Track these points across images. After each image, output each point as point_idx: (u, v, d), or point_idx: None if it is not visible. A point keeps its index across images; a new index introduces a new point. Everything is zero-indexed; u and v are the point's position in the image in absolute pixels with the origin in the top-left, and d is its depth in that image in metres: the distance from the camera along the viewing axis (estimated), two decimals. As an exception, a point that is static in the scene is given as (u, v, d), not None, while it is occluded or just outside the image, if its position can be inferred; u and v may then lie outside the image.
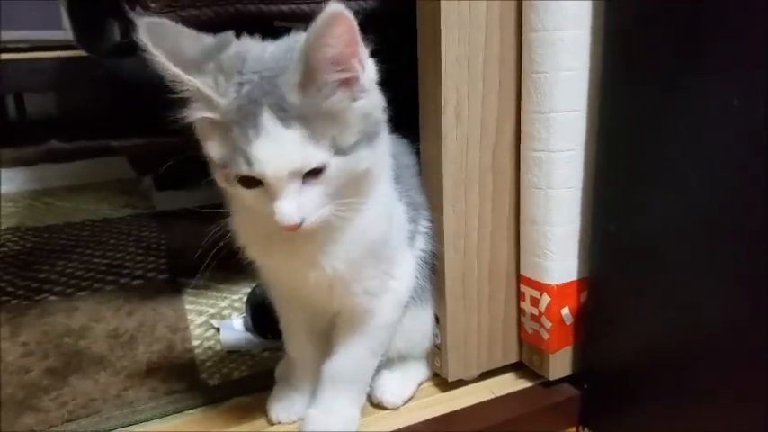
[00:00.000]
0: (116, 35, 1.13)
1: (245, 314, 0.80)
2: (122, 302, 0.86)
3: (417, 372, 0.62)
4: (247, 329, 0.78)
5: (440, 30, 0.52)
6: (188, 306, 0.85)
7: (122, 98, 2.37)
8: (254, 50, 0.44)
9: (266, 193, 0.43)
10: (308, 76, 0.41)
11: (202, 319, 0.81)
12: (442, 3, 0.52)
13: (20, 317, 0.83)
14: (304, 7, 0.60)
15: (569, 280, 0.58)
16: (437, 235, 0.57)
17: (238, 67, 0.42)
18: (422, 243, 0.57)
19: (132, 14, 0.59)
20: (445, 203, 0.56)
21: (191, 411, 0.61)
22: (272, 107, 0.41)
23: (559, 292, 0.58)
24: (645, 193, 0.52)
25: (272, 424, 0.58)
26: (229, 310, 0.83)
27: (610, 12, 0.52)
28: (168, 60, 0.41)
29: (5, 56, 2.18)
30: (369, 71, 0.44)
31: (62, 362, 0.71)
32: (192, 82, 0.42)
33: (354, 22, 0.40)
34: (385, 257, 0.53)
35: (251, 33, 0.46)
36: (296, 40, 0.43)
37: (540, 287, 0.58)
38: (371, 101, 0.45)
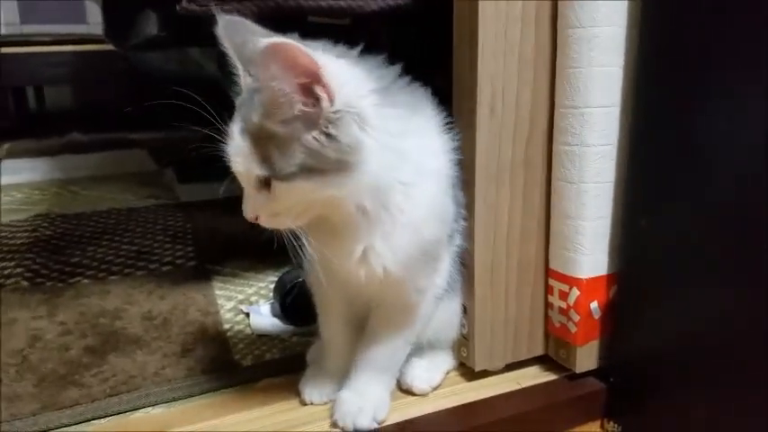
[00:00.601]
0: (149, 29, 1.16)
1: (272, 301, 0.82)
2: (154, 287, 0.89)
3: (445, 361, 0.64)
4: (274, 315, 0.80)
5: (477, 26, 0.54)
6: (217, 292, 0.87)
7: (143, 91, 2.42)
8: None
9: None
10: (270, 104, 0.43)
11: (231, 304, 0.83)
12: (480, 0, 0.54)
13: (55, 298, 0.86)
14: (342, 3, 0.62)
15: (599, 274, 0.59)
16: (468, 227, 0.59)
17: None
18: (458, 239, 0.58)
19: (179, 8, 0.61)
20: (477, 196, 0.57)
21: (226, 390, 0.63)
22: (243, 117, 0.45)
23: (589, 286, 0.59)
24: (676, 190, 0.53)
25: (304, 404, 0.60)
26: (256, 297, 0.85)
27: (646, 9, 0.54)
28: (233, 54, 0.46)
29: (28, 49, 2.22)
30: (341, 97, 0.42)
31: (100, 341, 0.73)
32: (244, 78, 0.46)
33: (301, 48, 0.40)
34: (436, 255, 0.54)
35: (289, 29, 0.48)
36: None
37: (570, 281, 0.60)
38: (344, 127, 0.43)
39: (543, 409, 0.61)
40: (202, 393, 0.62)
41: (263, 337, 0.74)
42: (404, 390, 0.62)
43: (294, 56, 0.40)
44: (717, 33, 0.48)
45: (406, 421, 0.58)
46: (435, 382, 0.62)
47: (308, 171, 0.44)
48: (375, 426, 0.57)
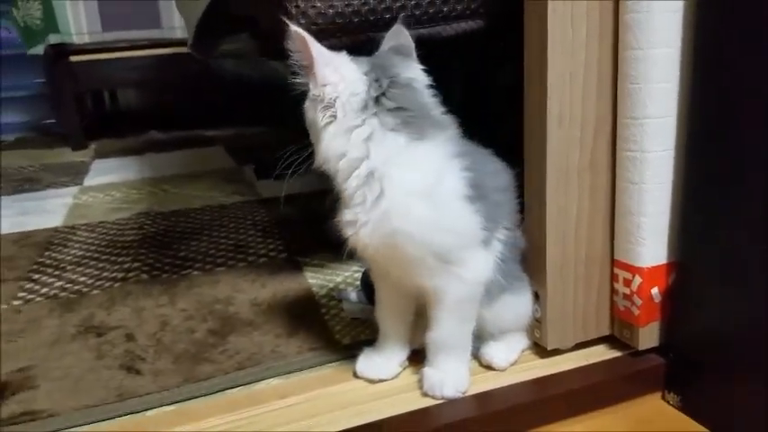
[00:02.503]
0: (233, 45, 1.28)
1: (359, 288, 0.93)
2: (255, 277, 1.02)
3: (519, 341, 0.73)
4: (360, 301, 0.91)
5: (546, 49, 0.62)
6: (310, 280, 0.99)
7: (219, 93, 2.58)
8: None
9: None
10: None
11: (324, 291, 0.95)
12: (549, 25, 0.61)
13: (173, 288, 1.00)
14: (422, 31, 0.71)
15: (659, 263, 0.67)
16: (538, 226, 0.67)
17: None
18: (499, 247, 0.66)
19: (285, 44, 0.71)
20: (548, 198, 0.65)
21: (330, 364, 0.74)
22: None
23: (650, 274, 0.67)
24: (727, 190, 0.59)
25: (357, 377, 0.71)
26: (344, 285, 0.97)
27: (698, 32, 0.60)
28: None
29: (108, 55, 2.40)
30: (322, 77, 0.61)
31: (219, 324, 0.86)
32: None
33: (302, 35, 0.59)
34: (444, 254, 0.62)
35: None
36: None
37: (633, 270, 0.67)
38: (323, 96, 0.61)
39: (609, 381, 0.69)
40: (311, 367, 0.74)
41: (355, 320, 0.85)
42: (484, 366, 0.72)
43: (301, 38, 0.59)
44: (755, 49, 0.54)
45: (486, 392, 0.68)
46: (512, 358, 0.71)
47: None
48: (459, 395, 0.66)
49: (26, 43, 2.29)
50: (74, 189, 1.72)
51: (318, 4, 0.66)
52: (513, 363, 0.72)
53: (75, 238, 1.29)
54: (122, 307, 0.93)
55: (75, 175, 1.91)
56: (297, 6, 0.66)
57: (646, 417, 0.68)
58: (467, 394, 0.67)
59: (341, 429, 0.63)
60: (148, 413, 0.68)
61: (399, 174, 0.60)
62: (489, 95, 0.62)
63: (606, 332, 0.73)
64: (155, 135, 2.60)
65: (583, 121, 0.64)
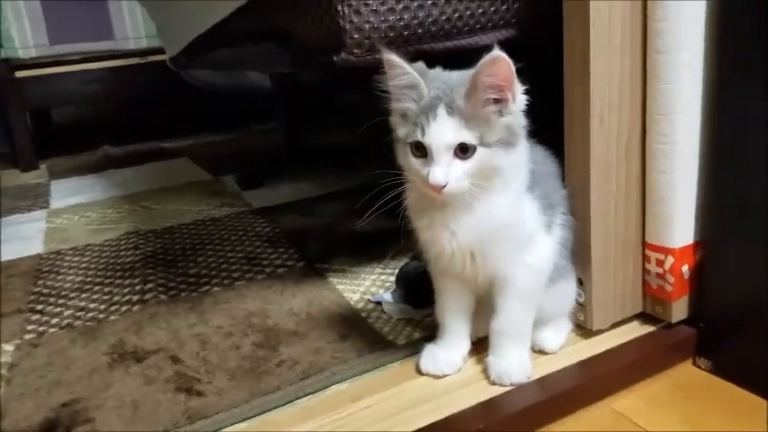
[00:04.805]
0: (215, 57, 1.26)
1: (393, 289, 0.96)
2: (281, 287, 1.02)
3: (566, 325, 0.78)
4: (396, 302, 0.93)
5: (588, 56, 0.67)
6: (338, 287, 1.00)
7: (175, 103, 2.49)
8: (443, 74, 0.64)
9: (427, 160, 0.61)
10: (472, 90, 0.60)
11: (357, 296, 0.96)
12: (592, 33, 0.67)
13: (198, 306, 0.98)
14: (463, 42, 0.75)
15: (688, 243, 0.74)
16: (582, 216, 0.73)
17: (436, 80, 0.62)
18: (559, 231, 0.71)
19: (337, 59, 0.73)
20: (591, 190, 0.71)
21: (392, 364, 0.76)
22: (445, 104, 0.61)
23: (681, 253, 0.74)
24: (747, 175, 0.67)
25: (421, 374, 0.74)
26: (374, 288, 0.99)
27: (717, 36, 0.68)
28: (415, 71, 0.61)
29: (57, 69, 2.28)
30: (518, 101, 0.62)
31: (263, 337, 0.86)
32: (422, 85, 0.61)
33: (511, 65, 0.58)
34: (516, 240, 0.67)
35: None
36: (470, 71, 0.61)
37: (665, 251, 0.74)
38: (514, 121, 0.62)
39: (649, 354, 0.76)
40: (375, 369, 0.76)
41: (400, 320, 0.88)
42: (536, 351, 0.77)
43: (509, 67, 0.59)
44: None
45: (546, 376, 0.73)
46: (562, 342, 0.77)
47: (504, 143, 0.62)
48: (526, 380, 0.71)
49: (-34, 60, 2.13)
50: (41, 213, 1.64)
51: (372, 20, 0.69)
52: (562, 345, 0.77)
53: (65, 263, 1.23)
54: (154, 329, 0.91)
55: (35, 198, 1.81)
56: (351, 22, 0.68)
57: (682, 382, 0.75)
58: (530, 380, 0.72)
59: (422, 426, 0.65)
60: (225, 431, 0.68)
61: None
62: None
63: (639, 310, 0.80)
64: (108, 150, 2.49)
65: (619, 119, 0.71)
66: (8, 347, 0.90)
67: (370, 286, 0.99)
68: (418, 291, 0.89)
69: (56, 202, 1.73)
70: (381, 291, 0.97)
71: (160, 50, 2.29)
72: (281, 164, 1.84)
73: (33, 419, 0.72)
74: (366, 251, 1.11)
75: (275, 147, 1.96)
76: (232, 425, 0.68)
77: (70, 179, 2.02)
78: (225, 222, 1.40)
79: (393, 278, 1.00)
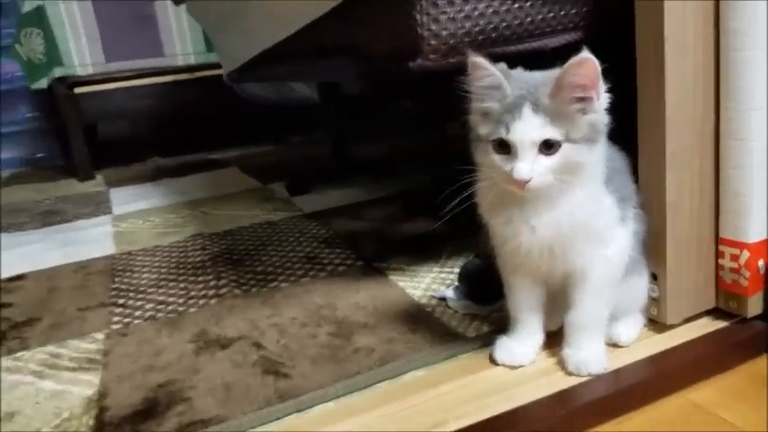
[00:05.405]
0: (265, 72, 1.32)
1: (455, 285, 0.98)
2: (344, 284, 1.05)
3: (639, 319, 0.80)
4: (459, 298, 0.96)
5: (663, 56, 0.70)
6: (400, 284, 1.03)
7: (222, 116, 2.59)
8: (525, 74, 0.67)
9: (510, 157, 0.64)
10: (558, 89, 0.62)
11: (419, 292, 0.99)
12: (666, 31, 0.69)
13: (270, 299, 1.02)
14: (534, 44, 0.79)
15: (763, 238, 0.75)
16: (657, 211, 0.74)
17: (518, 80, 0.65)
18: (632, 224, 0.72)
19: (413, 65, 0.77)
20: (667, 185, 0.73)
21: (464, 355, 0.79)
22: (530, 102, 0.63)
23: (756, 248, 0.75)
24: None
25: (496, 365, 0.76)
26: (435, 285, 1.01)
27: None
28: (499, 72, 0.64)
29: (112, 85, 2.39)
30: (602, 100, 0.64)
31: (335, 327, 0.89)
32: (505, 85, 0.64)
33: (598, 66, 0.61)
34: (595, 234, 0.69)
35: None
36: (554, 71, 0.64)
37: (741, 245, 0.75)
38: (598, 118, 0.65)
39: (724, 348, 0.77)
40: (449, 358, 0.78)
41: (467, 315, 0.90)
42: (610, 344, 0.78)
43: (596, 68, 0.61)
44: None
45: (620, 368, 0.74)
46: (635, 336, 0.78)
47: (588, 139, 0.64)
48: (603, 371, 0.72)
49: (29, 78, 2.26)
50: (105, 218, 1.71)
51: (449, 26, 0.73)
52: (635, 339, 0.78)
53: (137, 263, 1.29)
54: (233, 320, 0.95)
55: (97, 204, 1.90)
56: (429, 30, 0.72)
57: (758, 377, 0.75)
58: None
59: (500, 413, 0.68)
60: (314, 410, 0.71)
61: None
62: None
63: (711, 305, 0.81)
64: (159, 161, 2.59)
65: (693, 114, 0.73)
66: (99, 335, 0.95)
67: (430, 283, 1.02)
68: (482, 287, 0.91)
69: (118, 209, 1.80)
70: (443, 288, 1.00)
71: (207, 66, 2.42)
72: (327, 171, 1.90)
73: (134, 398, 0.76)
74: (421, 251, 1.15)
75: (320, 155, 2.02)
76: (322, 403, 0.71)
77: (127, 188, 2.11)
78: (280, 226, 1.45)
79: (452, 276, 1.03)
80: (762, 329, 0.78)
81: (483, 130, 0.66)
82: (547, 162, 0.63)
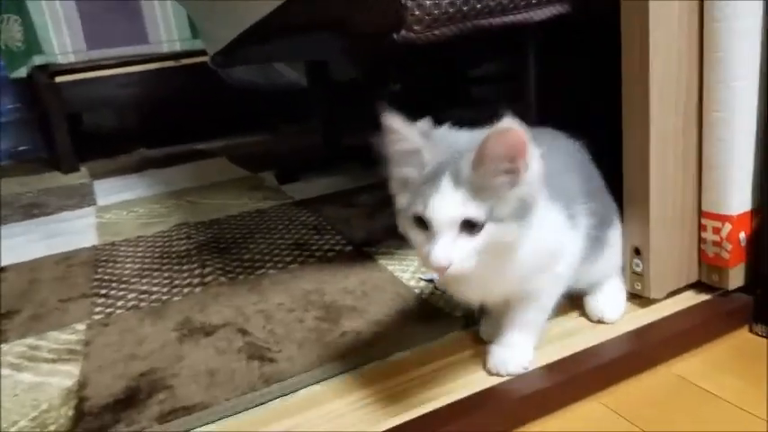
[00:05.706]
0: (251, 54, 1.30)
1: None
2: (333, 269, 1.05)
3: (621, 291, 0.80)
4: (446, 281, 0.96)
5: (648, 31, 0.69)
6: (389, 267, 1.03)
7: (209, 104, 2.56)
8: (451, 134, 0.60)
9: (429, 236, 0.55)
10: (480, 160, 0.54)
11: (407, 275, 0.99)
12: (651, 5, 0.69)
13: (257, 287, 1.01)
14: (518, 17, 0.78)
15: (745, 211, 0.76)
16: (641, 187, 0.74)
17: (442, 144, 0.57)
18: (583, 220, 0.68)
19: (397, 37, 0.76)
20: (651, 162, 0.73)
21: (453, 334, 0.80)
22: (451, 174, 0.55)
23: (738, 220, 0.75)
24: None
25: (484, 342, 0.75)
26: (423, 268, 1.01)
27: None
28: (418, 136, 0.57)
29: (95, 73, 2.35)
30: (532, 171, 0.55)
31: (323, 312, 0.89)
32: (424, 152, 0.56)
33: (524, 134, 0.52)
34: (546, 258, 0.64)
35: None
36: (481, 134, 0.54)
37: (723, 218, 0.76)
38: (528, 192, 0.56)
39: (706, 321, 0.77)
40: (439, 337, 0.78)
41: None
42: (596, 321, 0.78)
43: (521, 137, 0.53)
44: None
45: (604, 342, 0.74)
46: (621, 309, 0.79)
47: (517, 214, 0.56)
48: (522, 371, 0.69)
49: (8, 66, 2.22)
50: (89, 209, 1.69)
51: (434, -3, 0.71)
52: (622, 313, 0.79)
53: (120, 253, 1.28)
54: (219, 307, 0.95)
55: (81, 196, 1.87)
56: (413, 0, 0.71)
57: (740, 349, 0.76)
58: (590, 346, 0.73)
59: (486, 387, 0.68)
60: (299, 393, 0.71)
61: None
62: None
63: (695, 279, 0.81)
64: (145, 153, 2.56)
65: (678, 89, 0.73)
66: (80, 326, 0.94)
67: (419, 266, 1.02)
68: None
69: (102, 200, 1.78)
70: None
71: (193, 53, 2.39)
72: (316, 159, 1.88)
73: (115, 388, 0.75)
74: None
75: (309, 144, 2.00)
76: (307, 386, 0.71)
77: (112, 179, 2.08)
78: (270, 213, 1.44)
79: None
80: (744, 302, 0.79)
81: (402, 200, 0.59)
82: (468, 244, 0.55)
